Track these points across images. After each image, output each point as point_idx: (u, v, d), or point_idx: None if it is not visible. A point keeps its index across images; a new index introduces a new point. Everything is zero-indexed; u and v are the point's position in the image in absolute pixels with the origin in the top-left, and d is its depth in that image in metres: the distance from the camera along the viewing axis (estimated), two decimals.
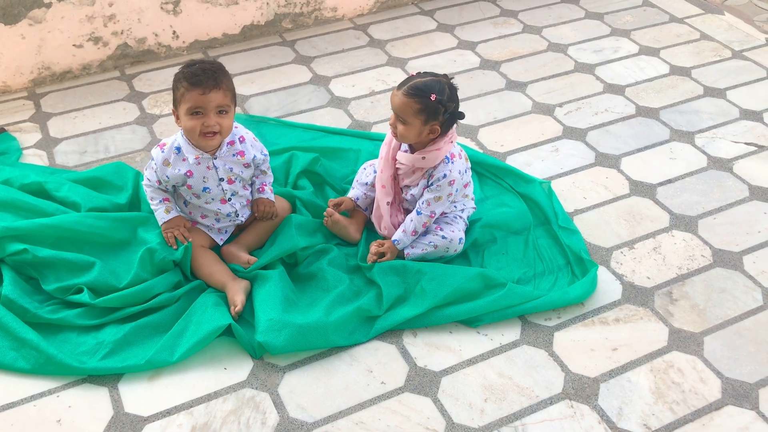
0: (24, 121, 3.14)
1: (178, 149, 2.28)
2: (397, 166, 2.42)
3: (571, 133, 3.07)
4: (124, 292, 2.22)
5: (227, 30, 3.64)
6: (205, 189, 2.31)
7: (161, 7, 3.42)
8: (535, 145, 2.99)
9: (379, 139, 2.89)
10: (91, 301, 2.19)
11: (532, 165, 2.87)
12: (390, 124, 2.32)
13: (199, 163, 2.28)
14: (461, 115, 2.30)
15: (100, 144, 3.00)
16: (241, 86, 3.31)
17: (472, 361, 2.13)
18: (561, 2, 4.07)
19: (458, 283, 2.24)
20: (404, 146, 2.41)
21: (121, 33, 3.41)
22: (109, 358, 2.09)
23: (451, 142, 2.34)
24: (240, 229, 2.49)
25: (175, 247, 2.29)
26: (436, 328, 2.23)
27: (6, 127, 3.07)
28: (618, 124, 3.11)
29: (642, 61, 3.54)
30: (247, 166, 2.36)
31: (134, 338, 2.15)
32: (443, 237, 2.37)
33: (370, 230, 2.53)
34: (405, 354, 2.16)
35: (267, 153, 2.44)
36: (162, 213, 2.31)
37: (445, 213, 2.43)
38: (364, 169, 2.63)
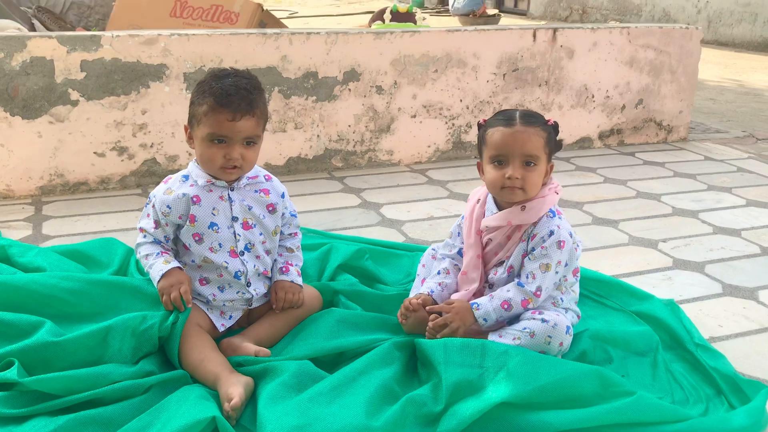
0: (17, 220, 2.64)
1: (186, 177, 1.75)
2: (485, 239, 1.80)
3: (685, 265, 2.42)
4: (69, 372, 1.52)
5: (271, 160, 3.23)
6: (212, 225, 1.71)
7: None
8: (641, 273, 2.34)
9: None
10: (18, 379, 1.49)
11: None
12: (509, 178, 1.71)
13: (211, 190, 1.73)
14: (560, 145, 1.79)
15: None
16: None
17: None
18: (643, 164, 3.63)
19: (563, 374, 1.50)
20: (490, 210, 1.81)
21: (151, 146, 3.02)
22: None
23: (556, 192, 1.75)
24: (248, 322, 1.83)
25: (171, 309, 1.66)
26: None
27: None
28: (743, 261, 2.46)
29: (754, 211, 2.97)
30: (271, 210, 1.78)
31: None
32: (543, 321, 1.66)
33: None
34: None
35: (296, 214, 1.87)
36: (160, 265, 1.71)
37: (544, 304, 1.76)
38: (423, 266, 2.00)
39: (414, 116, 3.44)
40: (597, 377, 1.52)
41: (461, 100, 3.50)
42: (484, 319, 1.70)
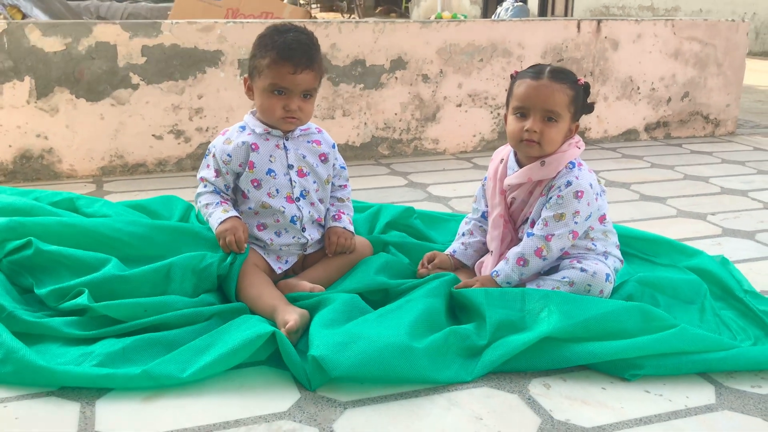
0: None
1: (243, 127, 1.84)
2: (509, 198, 1.83)
3: (735, 233, 2.41)
4: (136, 300, 1.60)
5: None
6: (269, 172, 1.79)
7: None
8: (690, 239, 2.34)
9: None
10: (89, 304, 1.57)
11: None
12: (527, 130, 1.72)
13: (267, 139, 1.81)
14: (591, 108, 1.79)
15: None
16: None
17: (643, 421, 1.33)
18: (691, 153, 3.62)
19: (605, 309, 1.53)
20: (511, 168, 1.84)
21: (206, 130, 3.14)
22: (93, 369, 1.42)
23: (578, 147, 1.77)
24: (303, 268, 1.89)
25: (228, 252, 1.74)
26: (579, 379, 1.47)
27: None
28: None
29: None
30: (323, 159, 1.86)
31: (136, 355, 1.48)
32: (582, 270, 1.68)
33: None
34: (533, 404, 1.38)
35: (346, 167, 1.94)
36: (219, 213, 1.79)
37: (581, 253, 1.77)
38: (466, 223, 2.03)
39: (459, 105, 3.50)
40: (639, 312, 1.54)
41: (506, 90, 3.54)
42: (508, 282, 1.72)
